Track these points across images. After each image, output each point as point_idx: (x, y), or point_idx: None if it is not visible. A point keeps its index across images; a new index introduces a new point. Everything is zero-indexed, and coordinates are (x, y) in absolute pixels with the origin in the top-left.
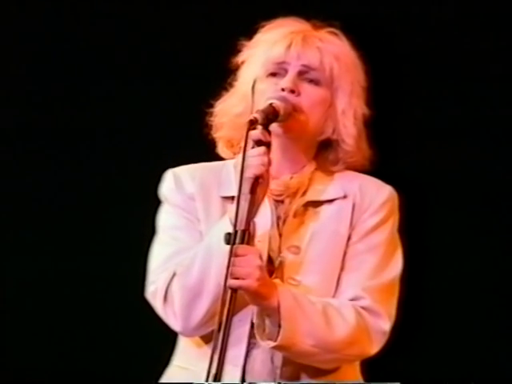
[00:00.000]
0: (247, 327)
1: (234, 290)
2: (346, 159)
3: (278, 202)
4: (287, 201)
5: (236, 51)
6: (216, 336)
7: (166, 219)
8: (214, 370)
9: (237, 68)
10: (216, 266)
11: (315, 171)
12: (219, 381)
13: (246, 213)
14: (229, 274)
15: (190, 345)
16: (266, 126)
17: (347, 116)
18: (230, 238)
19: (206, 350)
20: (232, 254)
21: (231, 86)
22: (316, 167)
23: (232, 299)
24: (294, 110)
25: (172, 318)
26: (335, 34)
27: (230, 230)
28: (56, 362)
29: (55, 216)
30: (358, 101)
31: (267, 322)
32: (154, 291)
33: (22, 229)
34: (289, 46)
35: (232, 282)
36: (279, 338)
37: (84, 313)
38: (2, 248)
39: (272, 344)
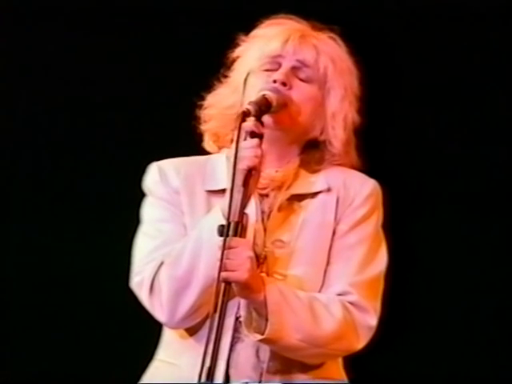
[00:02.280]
0: (232, 320)
1: (228, 283)
2: (332, 162)
3: (263, 196)
4: (272, 194)
5: (233, 45)
6: (210, 328)
7: (150, 212)
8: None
9: (233, 62)
10: (205, 258)
11: (299, 167)
12: (213, 373)
13: (238, 205)
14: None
15: (175, 338)
16: (258, 118)
17: (337, 119)
18: (223, 230)
19: (191, 344)
20: (225, 246)
21: (224, 77)
22: (300, 164)
23: (225, 292)
24: (286, 102)
25: (158, 309)
26: (333, 39)
27: (221, 221)
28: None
29: (41, 212)
30: (349, 106)
31: (254, 315)
32: (139, 281)
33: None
34: (286, 41)
35: (221, 274)
36: (266, 331)
37: (68, 306)
38: None
39: (259, 337)
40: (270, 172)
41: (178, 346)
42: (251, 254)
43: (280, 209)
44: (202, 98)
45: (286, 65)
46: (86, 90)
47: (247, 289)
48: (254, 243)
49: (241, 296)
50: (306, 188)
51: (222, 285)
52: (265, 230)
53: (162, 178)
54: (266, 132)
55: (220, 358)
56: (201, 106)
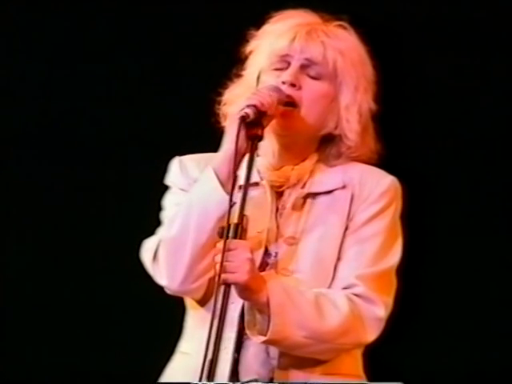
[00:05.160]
0: (238, 311)
1: (228, 285)
2: (349, 154)
3: (278, 193)
4: (287, 192)
5: (245, 41)
6: (210, 329)
7: (170, 199)
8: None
9: (245, 58)
10: (195, 220)
11: (317, 163)
12: (215, 367)
13: (239, 205)
14: (222, 268)
15: (192, 330)
16: (258, 120)
17: (351, 111)
18: (223, 232)
19: (205, 335)
20: (225, 249)
21: (238, 75)
22: (318, 159)
23: (225, 294)
24: (290, 104)
25: (159, 274)
26: (344, 28)
27: (211, 183)
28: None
29: (58, 210)
30: (363, 96)
31: (258, 316)
32: (145, 249)
33: (25, 220)
34: (292, 40)
35: (221, 277)
36: (269, 332)
37: (88, 302)
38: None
39: (262, 338)
40: (286, 170)
41: (194, 338)
42: (250, 255)
43: (294, 207)
44: (220, 94)
45: (295, 64)
46: (98, 88)
47: (247, 290)
48: (267, 240)
49: (242, 297)
50: (321, 186)
51: (222, 287)
52: (278, 227)
53: (182, 170)
54: (277, 136)
55: (229, 354)
56: (219, 102)
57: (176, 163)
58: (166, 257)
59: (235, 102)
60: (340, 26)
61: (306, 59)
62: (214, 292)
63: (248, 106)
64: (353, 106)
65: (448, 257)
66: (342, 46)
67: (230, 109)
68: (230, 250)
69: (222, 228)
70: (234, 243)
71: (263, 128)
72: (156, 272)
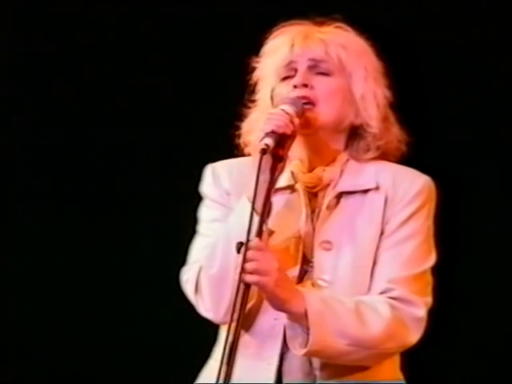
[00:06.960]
0: (281, 329)
1: (247, 286)
2: (376, 143)
3: (312, 196)
4: (321, 194)
5: (250, 68)
6: (227, 335)
7: (205, 213)
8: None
9: (255, 85)
10: (235, 255)
11: (348, 162)
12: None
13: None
14: (242, 270)
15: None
16: (280, 143)
17: (367, 100)
18: (241, 248)
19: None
20: (245, 258)
21: (252, 102)
22: (348, 158)
23: (245, 295)
24: (310, 103)
25: (202, 307)
26: (339, 28)
27: (247, 211)
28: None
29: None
30: (375, 85)
31: (298, 330)
32: (186, 280)
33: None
34: (292, 46)
35: (249, 278)
36: (309, 343)
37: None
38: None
39: (303, 351)
40: (318, 171)
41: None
42: (278, 265)
43: (328, 207)
44: (238, 128)
45: (301, 68)
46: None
47: (276, 299)
48: (304, 246)
49: (275, 307)
50: (354, 185)
51: (241, 287)
52: (314, 230)
53: (214, 181)
54: (303, 136)
55: (273, 368)
56: (239, 136)
57: (209, 172)
58: (210, 293)
59: (254, 128)
60: (336, 27)
61: (311, 59)
62: (234, 295)
63: (267, 135)
64: (368, 95)
65: (482, 258)
66: (343, 41)
67: (251, 137)
68: (259, 249)
69: (241, 243)
70: (260, 243)
71: (284, 149)
72: (200, 304)
